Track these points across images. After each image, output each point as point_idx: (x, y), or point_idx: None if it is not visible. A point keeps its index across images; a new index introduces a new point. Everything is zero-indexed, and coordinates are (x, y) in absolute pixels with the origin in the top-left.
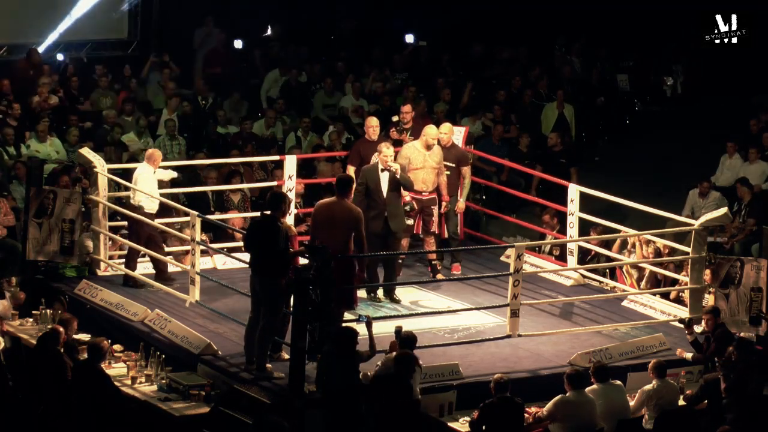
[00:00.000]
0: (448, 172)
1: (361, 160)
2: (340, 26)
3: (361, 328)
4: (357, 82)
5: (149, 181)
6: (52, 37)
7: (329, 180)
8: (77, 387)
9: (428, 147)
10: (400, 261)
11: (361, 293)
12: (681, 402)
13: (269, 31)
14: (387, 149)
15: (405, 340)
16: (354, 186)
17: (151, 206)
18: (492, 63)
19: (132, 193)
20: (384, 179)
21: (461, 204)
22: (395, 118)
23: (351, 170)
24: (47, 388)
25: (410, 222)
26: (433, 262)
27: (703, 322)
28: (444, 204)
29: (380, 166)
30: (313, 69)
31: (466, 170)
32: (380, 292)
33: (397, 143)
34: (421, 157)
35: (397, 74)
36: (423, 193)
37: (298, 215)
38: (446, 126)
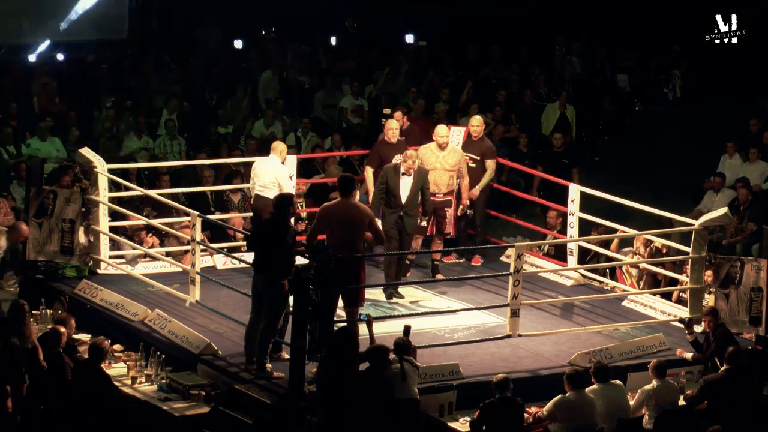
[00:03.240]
0: (474, 165)
1: (381, 162)
2: (345, 25)
3: (361, 328)
4: (356, 82)
5: (286, 174)
6: (51, 38)
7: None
8: (77, 387)
9: (440, 147)
10: (408, 262)
11: (380, 295)
12: (681, 402)
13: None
14: (413, 153)
15: (397, 346)
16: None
17: None
18: (490, 63)
19: (276, 186)
20: (404, 184)
21: (475, 191)
22: (387, 110)
23: (370, 171)
24: (47, 388)
25: (423, 223)
26: (435, 262)
27: (702, 323)
28: (461, 207)
29: (402, 170)
30: (313, 69)
31: (490, 163)
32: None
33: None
34: (433, 158)
35: (398, 75)
36: (436, 195)
37: (299, 215)
38: (477, 119)
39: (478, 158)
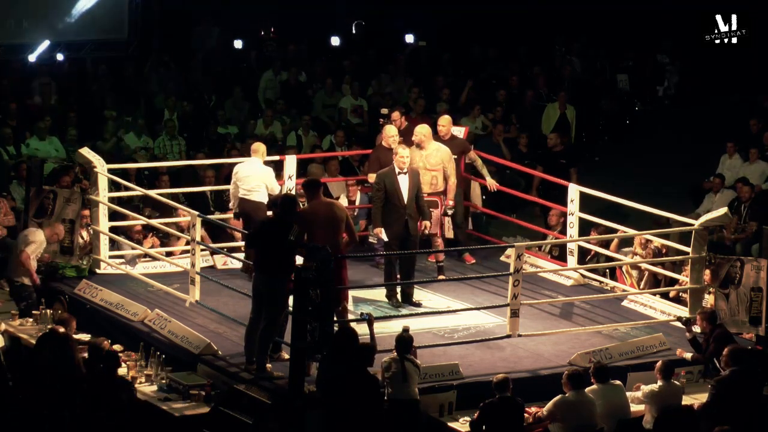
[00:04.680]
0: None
1: (380, 166)
2: (351, 27)
3: (362, 327)
4: (356, 82)
5: (271, 174)
6: (51, 38)
7: (327, 180)
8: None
9: (419, 146)
10: (440, 263)
11: (381, 296)
12: (684, 402)
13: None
14: (403, 150)
15: (400, 342)
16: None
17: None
18: (490, 63)
19: (263, 189)
20: (403, 181)
21: (490, 181)
22: (384, 110)
23: (373, 178)
24: (48, 387)
25: (426, 231)
26: (438, 263)
27: (698, 325)
28: (443, 207)
29: (397, 170)
30: (313, 69)
31: (473, 155)
32: (399, 296)
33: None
34: (417, 157)
35: (398, 75)
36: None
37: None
38: (444, 118)
39: (455, 157)
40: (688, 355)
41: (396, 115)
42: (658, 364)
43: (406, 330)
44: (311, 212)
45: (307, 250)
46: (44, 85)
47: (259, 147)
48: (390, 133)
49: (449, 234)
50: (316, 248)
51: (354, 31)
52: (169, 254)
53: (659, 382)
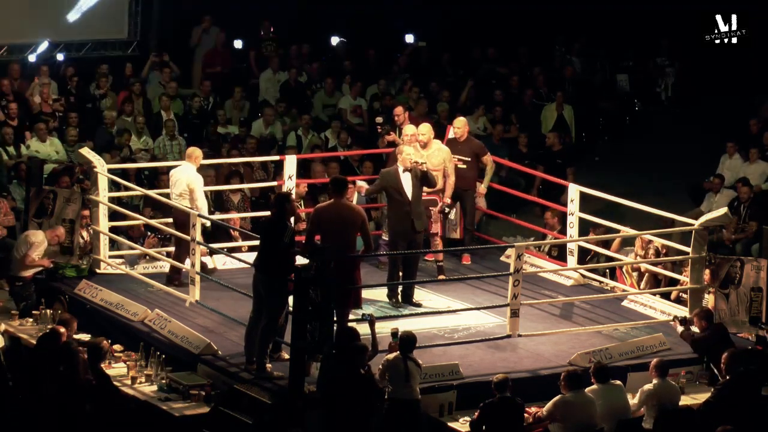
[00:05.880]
0: (464, 166)
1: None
2: (349, 28)
3: (363, 328)
4: (358, 82)
5: (200, 182)
6: (51, 38)
7: (324, 180)
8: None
9: (425, 146)
10: (441, 264)
11: (381, 296)
12: (682, 402)
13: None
14: (408, 148)
15: (404, 341)
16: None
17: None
18: (489, 63)
19: (189, 195)
20: (406, 180)
21: (482, 188)
22: (379, 119)
23: None
24: (47, 387)
25: (447, 200)
26: (438, 263)
27: (695, 324)
28: (440, 205)
29: (401, 168)
30: (313, 69)
31: (488, 159)
32: (399, 296)
33: (390, 144)
34: (418, 157)
35: (399, 75)
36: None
37: (299, 215)
38: (460, 120)
39: (469, 159)
40: (680, 329)
41: (399, 110)
42: (653, 362)
43: (394, 333)
44: (323, 211)
45: (309, 251)
46: (44, 85)
47: (193, 152)
48: (407, 132)
49: (456, 235)
50: (317, 248)
51: (336, 49)
52: (169, 254)
53: (654, 380)
